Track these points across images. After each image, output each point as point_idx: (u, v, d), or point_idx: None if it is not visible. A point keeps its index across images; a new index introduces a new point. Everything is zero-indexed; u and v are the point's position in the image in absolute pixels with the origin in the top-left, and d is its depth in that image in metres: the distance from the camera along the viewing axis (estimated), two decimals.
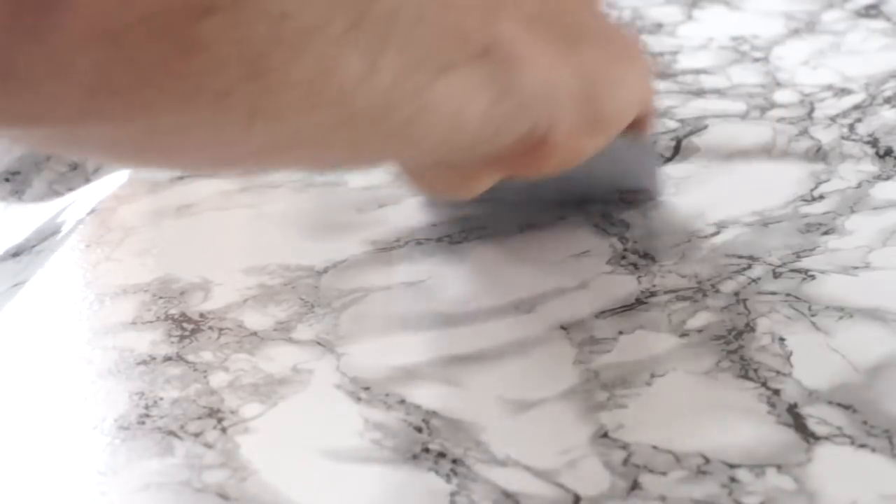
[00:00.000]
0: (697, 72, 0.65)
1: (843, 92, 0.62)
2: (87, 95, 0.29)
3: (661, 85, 0.64)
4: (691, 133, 0.59)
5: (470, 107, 0.38)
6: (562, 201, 0.52)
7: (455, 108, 0.38)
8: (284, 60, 0.31)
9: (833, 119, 0.59)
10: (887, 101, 0.61)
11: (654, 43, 0.69)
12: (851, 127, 0.58)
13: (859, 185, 0.54)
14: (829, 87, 0.63)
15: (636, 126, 0.48)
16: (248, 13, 0.29)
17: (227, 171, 0.54)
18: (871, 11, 0.72)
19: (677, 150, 0.58)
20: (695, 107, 0.61)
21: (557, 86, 0.42)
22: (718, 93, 0.63)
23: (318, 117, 0.34)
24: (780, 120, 0.59)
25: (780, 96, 0.62)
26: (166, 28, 0.28)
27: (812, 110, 0.60)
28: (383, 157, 0.41)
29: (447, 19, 0.36)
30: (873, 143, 0.57)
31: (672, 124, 0.59)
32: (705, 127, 0.59)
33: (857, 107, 0.60)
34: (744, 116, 0.60)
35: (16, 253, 0.52)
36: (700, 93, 0.63)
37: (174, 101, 0.30)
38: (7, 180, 0.58)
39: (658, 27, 0.71)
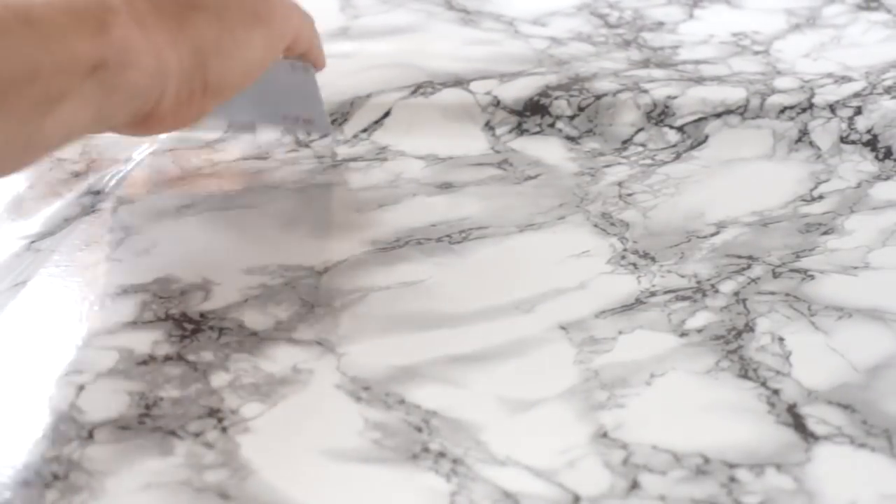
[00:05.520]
0: (698, 62, 0.65)
1: (844, 80, 0.62)
2: None
3: (661, 73, 0.64)
4: (692, 147, 0.59)
5: (81, 119, 0.42)
6: (246, 122, 0.57)
7: (66, 130, 0.42)
8: None
9: (833, 110, 0.59)
10: (887, 90, 0.61)
11: (655, 39, 0.69)
12: (851, 121, 0.58)
13: (859, 185, 0.54)
14: (830, 75, 0.63)
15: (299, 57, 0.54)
16: None
17: None
18: (871, 4, 0.72)
19: (677, 157, 0.58)
20: (694, 95, 0.61)
21: (167, 67, 0.46)
22: (719, 80, 0.63)
23: None
24: (781, 113, 0.59)
25: (781, 83, 0.62)
26: None
27: (812, 96, 0.60)
28: None
29: (60, 58, 0.41)
30: (872, 141, 0.57)
31: (673, 137, 0.59)
32: (705, 139, 0.59)
33: (857, 94, 0.60)
34: (744, 109, 0.60)
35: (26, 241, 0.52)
36: (700, 80, 0.63)
37: None
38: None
39: (659, 25, 0.71)
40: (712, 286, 0.47)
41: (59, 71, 0.40)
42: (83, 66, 0.41)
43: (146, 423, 0.41)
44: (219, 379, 0.43)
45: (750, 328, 0.44)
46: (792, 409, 0.40)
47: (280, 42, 0.51)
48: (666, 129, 0.60)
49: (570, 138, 0.60)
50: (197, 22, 0.47)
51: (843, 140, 0.58)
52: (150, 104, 0.46)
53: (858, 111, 0.59)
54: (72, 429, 0.41)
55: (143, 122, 0.47)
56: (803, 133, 0.58)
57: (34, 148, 0.41)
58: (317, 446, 0.39)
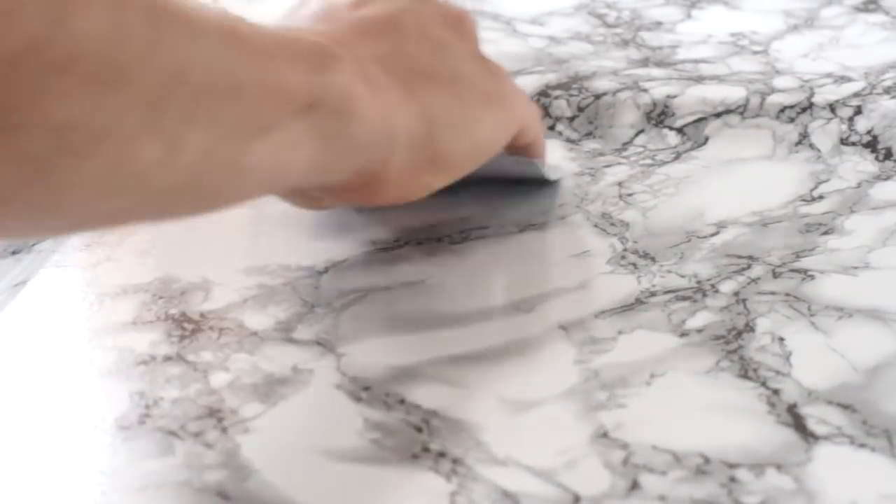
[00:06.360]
0: (696, 61, 0.65)
1: (843, 79, 0.62)
2: None
3: (660, 72, 0.64)
4: (692, 148, 0.59)
5: (293, 159, 0.40)
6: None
7: (275, 164, 0.39)
8: (71, 164, 0.33)
9: (833, 110, 0.59)
10: (887, 91, 0.61)
11: (653, 39, 0.69)
12: (851, 122, 0.58)
13: (859, 185, 0.54)
14: (829, 75, 0.63)
15: (522, 152, 0.52)
16: (26, 132, 0.31)
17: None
18: (869, 6, 0.72)
19: (677, 157, 0.58)
20: (694, 94, 0.61)
21: (394, 128, 0.44)
22: (718, 79, 0.63)
23: (116, 202, 0.35)
24: (781, 113, 0.59)
25: (780, 82, 0.62)
26: None
27: (812, 95, 0.60)
28: (202, 213, 0.41)
29: (268, 83, 0.38)
30: (872, 143, 0.57)
31: (673, 140, 0.59)
32: (705, 141, 0.59)
33: (856, 94, 0.60)
34: (744, 108, 0.60)
35: (15, 251, 0.52)
36: (699, 79, 0.63)
37: None
38: None
39: (657, 25, 0.71)
40: (712, 286, 0.47)
41: (265, 96, 0.38)
42: (294, 100, 0.39)
43: (146, 423, 0.41)
44: (218, 379, 0.43)
45: (750, 328, 0.44)
46: (792, 409, 0.40)
47: (511, 126, 0.49)
48: (666, 131, 0.60)
49: (570, 140, 0.60)
50: (429, 91, 0.45)
51: (843, 142, 0.58)
52: (374, 164, 0.43)
53: (858, 111, 0.59)
54: (71, 429, 0.41)
55: (366, 185, 0.45)
56: (803, 136, 0.58)
57: (241, 173, 0.38)
58: (317, 446, 0.39)
